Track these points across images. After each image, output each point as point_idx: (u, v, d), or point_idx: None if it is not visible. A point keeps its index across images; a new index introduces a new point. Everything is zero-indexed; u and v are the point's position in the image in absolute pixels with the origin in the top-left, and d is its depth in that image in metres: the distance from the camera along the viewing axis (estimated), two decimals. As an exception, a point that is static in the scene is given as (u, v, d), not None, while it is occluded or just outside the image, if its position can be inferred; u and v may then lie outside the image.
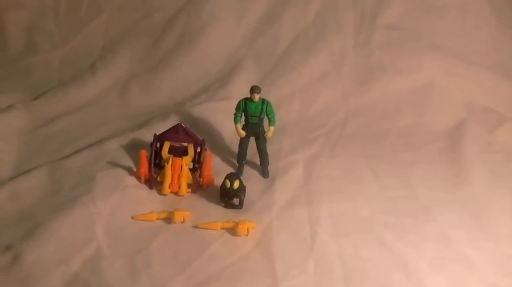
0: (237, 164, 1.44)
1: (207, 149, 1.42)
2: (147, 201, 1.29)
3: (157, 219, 1.23)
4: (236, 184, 1.27)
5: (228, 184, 1.27)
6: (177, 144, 1.42)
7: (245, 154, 1.43)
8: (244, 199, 1.29)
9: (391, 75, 1.78)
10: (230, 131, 1.47)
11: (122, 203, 1.26)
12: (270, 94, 1.49)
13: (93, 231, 1.17)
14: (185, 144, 1.42)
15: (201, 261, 1.13)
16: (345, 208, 1.31)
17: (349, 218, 1.28)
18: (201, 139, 1.42)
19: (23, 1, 1.91)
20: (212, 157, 1.42)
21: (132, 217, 1.23)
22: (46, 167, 1.36)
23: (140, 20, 1.92)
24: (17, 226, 1.17)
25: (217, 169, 1.41)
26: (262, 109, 1.37)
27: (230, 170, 1.40)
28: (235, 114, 1.39)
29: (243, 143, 1.42)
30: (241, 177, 1.32)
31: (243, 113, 1.38)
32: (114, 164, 1.38)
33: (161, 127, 1.46)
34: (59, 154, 1.44)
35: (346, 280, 1.11)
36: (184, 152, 1.40)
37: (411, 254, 1.18)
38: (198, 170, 1.37)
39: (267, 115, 1.39)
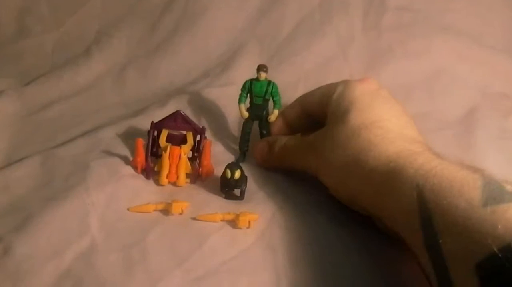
0: (239, 151, 1.39)
1: (207, 138, 1.37)
2: (144, 191, 1.24)
3: (154, 210, 1.18)
4: (237, 174, 1.21)
5: (229, 174, 1.21)
6: (175, 132, 1.37)
7: (248, 139, 1.38)
8: (246, 190, 1.24)
9: (401, 59, 1.71)
10: (232, 118, 1.42)
11: (117, 194, 1.21)
12: (275, 79, 1.44)
13: (87, 223, 1.12)
14: (184, 132, 1.36)
15: (200, 254, 1.08)
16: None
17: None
18: (201, 127, 1.37)
19: (14, -18, 1.86)
20: (213, 146, 1.37)
21: (128, 209, 1.18)
22: (38, 156, 1.32)
23: (137, 1, 1.86)
24: (7, 218, 1.13)
25: (217, 158, 1.35)
26: (267, 90, 1.33)
27: (231, 159, 1.35)
28: (240, 95, 1.35)
29: (246, 126, 1.37)
30: (242, 166, 1.26)
31: (248, 94, 1.34)
32: (109, 153, 1.33)
33: (159, 114, 1.40)
34: (52, 142, 1.39)
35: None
36: (183, 140, 1.35)
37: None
38: (197, 160, 1.32)
39: (272, 97, 1.34)
